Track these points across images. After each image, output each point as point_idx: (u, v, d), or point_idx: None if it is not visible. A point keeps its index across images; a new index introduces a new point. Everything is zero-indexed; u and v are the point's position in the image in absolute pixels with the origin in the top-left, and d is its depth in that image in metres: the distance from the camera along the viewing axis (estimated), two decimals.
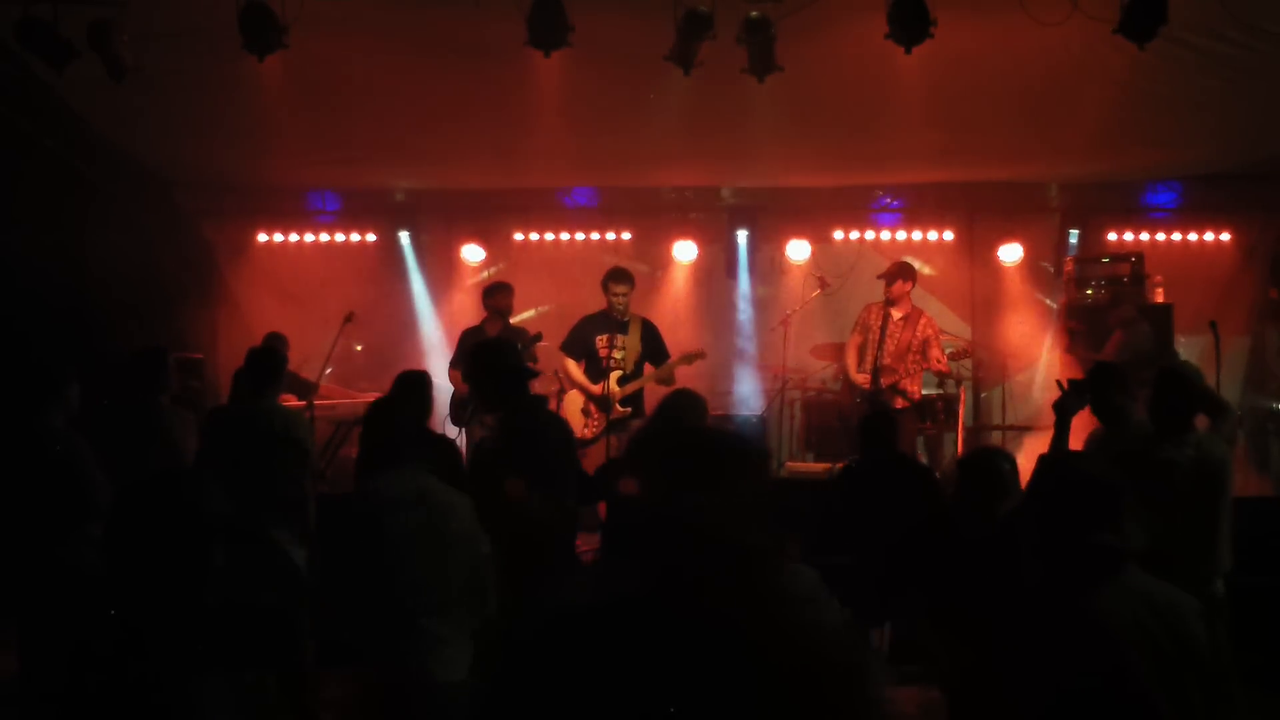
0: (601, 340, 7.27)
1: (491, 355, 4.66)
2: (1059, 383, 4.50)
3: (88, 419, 4.78)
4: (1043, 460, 2.97)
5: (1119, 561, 2.62)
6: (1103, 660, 2.50)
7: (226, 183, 9.49)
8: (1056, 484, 2.76)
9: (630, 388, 7.19)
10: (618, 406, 7.18)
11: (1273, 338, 9.41)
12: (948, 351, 7.68)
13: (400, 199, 10.20)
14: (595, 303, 7.46)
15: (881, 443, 5.48)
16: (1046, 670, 2.55)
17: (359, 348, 9.74)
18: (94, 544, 4.18)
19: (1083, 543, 2.61)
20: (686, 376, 7.52)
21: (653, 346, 7.32)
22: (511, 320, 8.29)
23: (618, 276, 7.32)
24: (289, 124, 7.66)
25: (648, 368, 7.26)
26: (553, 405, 7.77)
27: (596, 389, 7.19)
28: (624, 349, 7.24)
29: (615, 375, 7.22)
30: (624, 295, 7.27)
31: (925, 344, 7.57)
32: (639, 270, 8.94)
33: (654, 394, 6.85)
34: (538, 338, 7.66)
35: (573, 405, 7.39)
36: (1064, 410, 4.33)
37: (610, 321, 7.29)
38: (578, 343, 7.35)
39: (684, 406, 4.96)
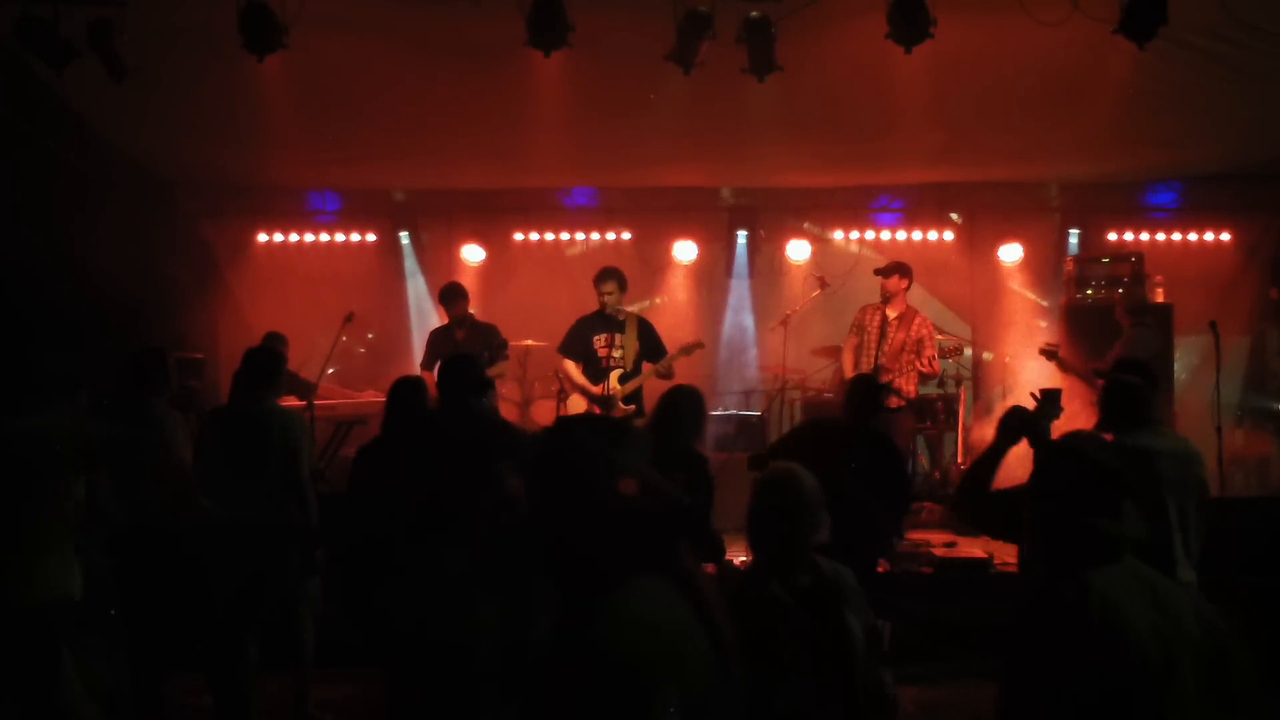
0: (600, 340, 7.27)
1: (453, 373, 4.67)
2: (1033, 394, 4.28)
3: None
4: (1049, 448, 2.98)
5: (1119, 548, 2.64)
6: (1104, 644, 2.51)
7: (226, 183, 9.49)
8: (1062, 470, 2.78)
9: (631, 386, 7.18)
10: (620, 405, 7.17)
11: (1273, 338, 9.42)
12: (939, 344, 7.69)
13: (400, 199, 10.19)
14: (595, 303, 7.46)
15: (859, 410, 5.45)
16: (1050, 656, 2.56)
17: (364, 345, 9.74)
18: (96, 545, 4.18)
19: (1083, 527, 2.64)
20: (686, 374, 7.52)
21: (650, 344, 7.32)
22: (510, 321, 8.27)
23: (603, 275, 7.31)
24: (289, 124, 7.66)
25: (646, 365, 7.25)
26: (557, 407, 7.81)
27: (597, 390, 7.19)
28: (623, 348, 7.23)
29: (615, 374, 7.22)
30: (612, 294, 7.24)
31: (919, 343, 7.57)
32: (639, 270, 8.95)
33: (655, 391, 6.83)
34: (503, 345, 7.68)
35: (575, 409, 7.39)
36: (1025, 427, 3.84)
37: (607, 321, 7.29)
38: (575, 344, 7.33)
39: (683, 401, 5.03)
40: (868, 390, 5.56)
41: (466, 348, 7.59)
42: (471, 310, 8.06)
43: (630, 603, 2.11)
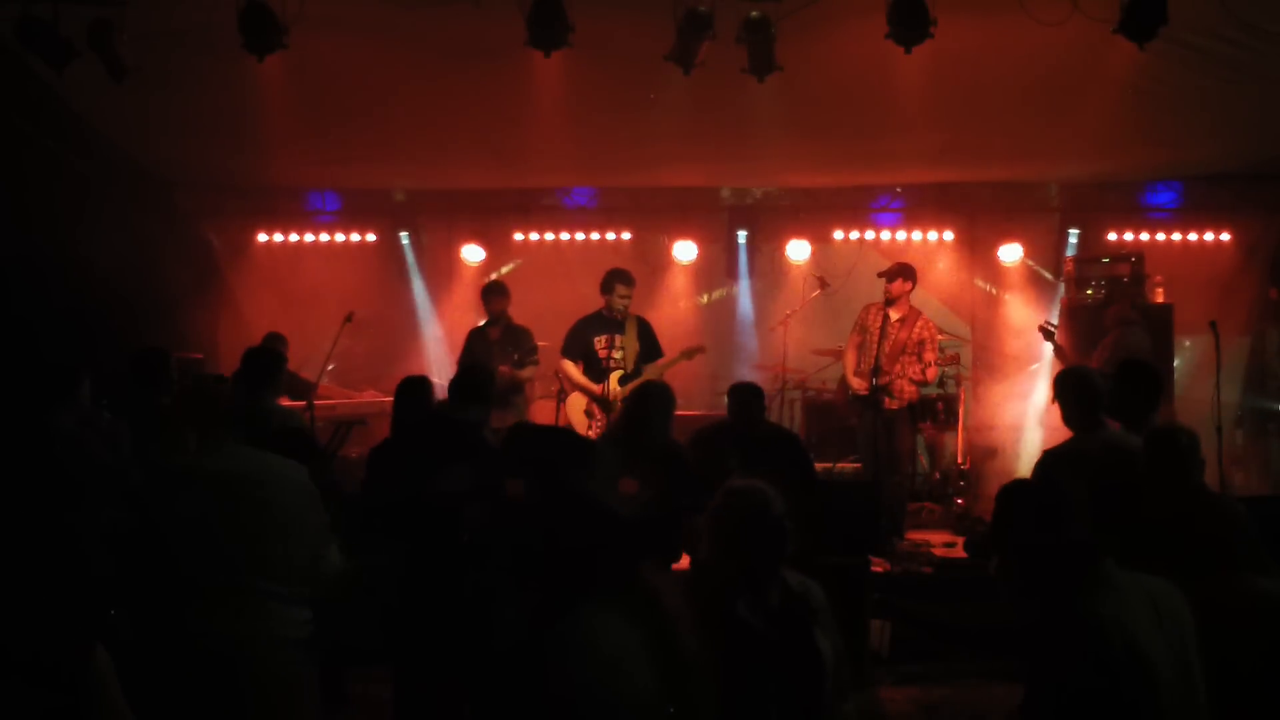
0: (600, 341, 7.31)
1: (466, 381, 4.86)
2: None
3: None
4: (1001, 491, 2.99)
5: (1093, 555, 2.63)
6: (1102, 662, 2.50)
7: (226, 183, 9.49)
8: (1011, 502, 2.78)
9: (631, 386, 7.20)
10: (621, 405, 7.18)
11: (1273, 338, 9.41)
12: (941, 354, 7.70)
13: (400, 199, 10.20)
14: (596, 303, 7.48)
15: (746, 415, 5.51)
16: (1051, 677, 2.55)
17: (363, 343, 9.74)
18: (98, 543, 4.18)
19: (1053, 544, 2.62)
20: (687, 374, 7.59)
21: (649, 344, 7.38)
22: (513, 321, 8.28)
23: (625, 279, 7.36)
24: (289, 124, 7.66)
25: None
26: (557, 407, 7.86)
27: (597, 389, 7.21)
28: (623, 349, 7.29)
29: (616, 375, 7.26)
30: (628, 297, 7.33)
31: (920, 345, 7.57)
32: (639, 270, 8.94)
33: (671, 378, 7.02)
34: (533, 350, 7.72)
35: (575, 408, 7.42)
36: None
37: (607, 322, 7.34)
38: (576, 345, 7.37)
39: (651, 399, 5.20)
40: (743, 397, 5.57)
41: (499, 348, 7.64)
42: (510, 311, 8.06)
43: (579, 630, 2.09)
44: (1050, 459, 4.36)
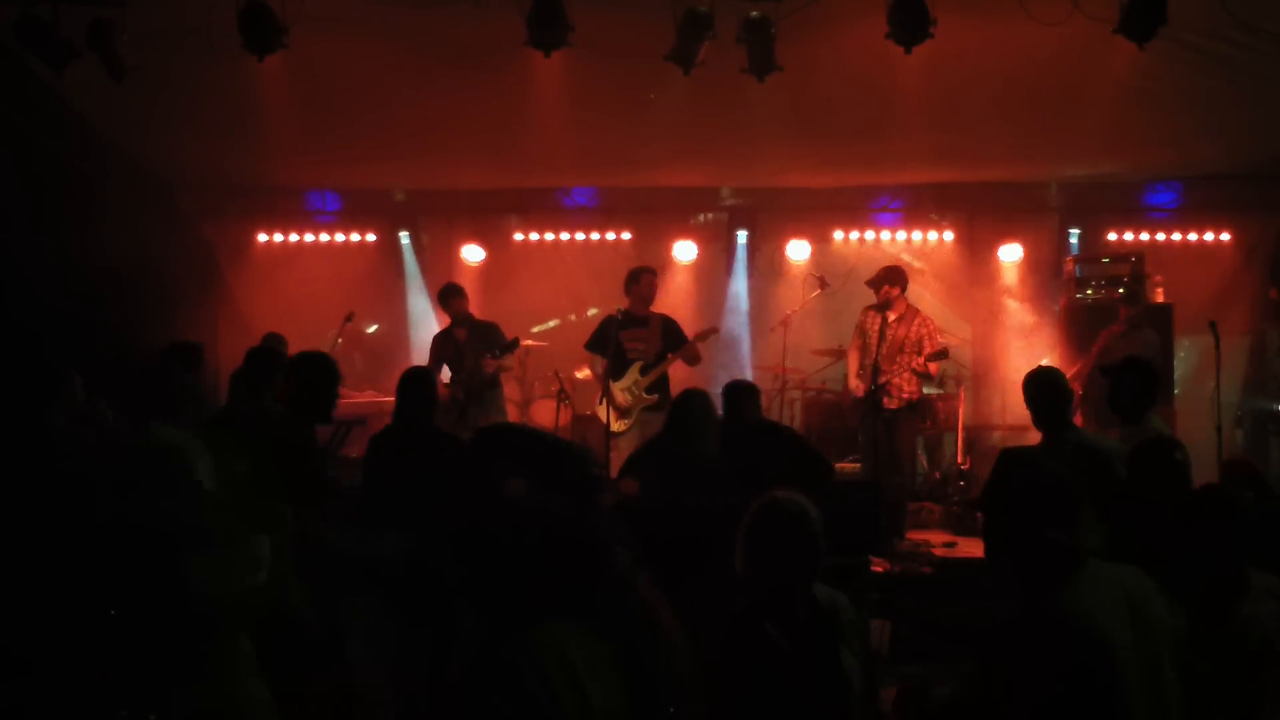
0: (625, 335, 7.60)
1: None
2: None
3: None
4: (1001, 458, 2.98)
5: (1074, 559, 2.62)
6: (1076, 658, 2.49)
7: (226, 183, 9.49)
8: (1014, 486, 2.76)
9: (653, 375, 7.53)
10: (643, 395, 7.55)
11: (1273, 338, 9.41)
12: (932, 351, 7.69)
13: (400, 199, 10.20)
14: (596, 302, 7.56)
15: (739, 413, 5.57)
16: (1027, 671, 2.54)
17: (364, 342, 9.75)
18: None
19: (1040, 541, 2.61)
20: (686, 376, 7.64)
21: (672, 338, 7.64)
22: (510, 321, 8.30)
23: (649, 269, 7.78)
24: (289, 124, 7.67)
25: (669, 356, 7.60)
26: (558, 407, 7.95)
27: (613, 385, 7.54)
28: (645, 340, 7.59)
29: (638, 365, 7.56)
30: (654, 285, 7.70)
31: (919, 342, 7.57)
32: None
33: (677, 382, 7.40)
34: (514, 344, 7.77)
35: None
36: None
37: (633, 318, 7.63)
38: (601, 340, 7.60)
39: (695, 407, 5.25)
40: (736, 394, 5.64)
41: (469, 348, 7.67)
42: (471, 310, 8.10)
43: (533, 648, 2.04)
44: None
